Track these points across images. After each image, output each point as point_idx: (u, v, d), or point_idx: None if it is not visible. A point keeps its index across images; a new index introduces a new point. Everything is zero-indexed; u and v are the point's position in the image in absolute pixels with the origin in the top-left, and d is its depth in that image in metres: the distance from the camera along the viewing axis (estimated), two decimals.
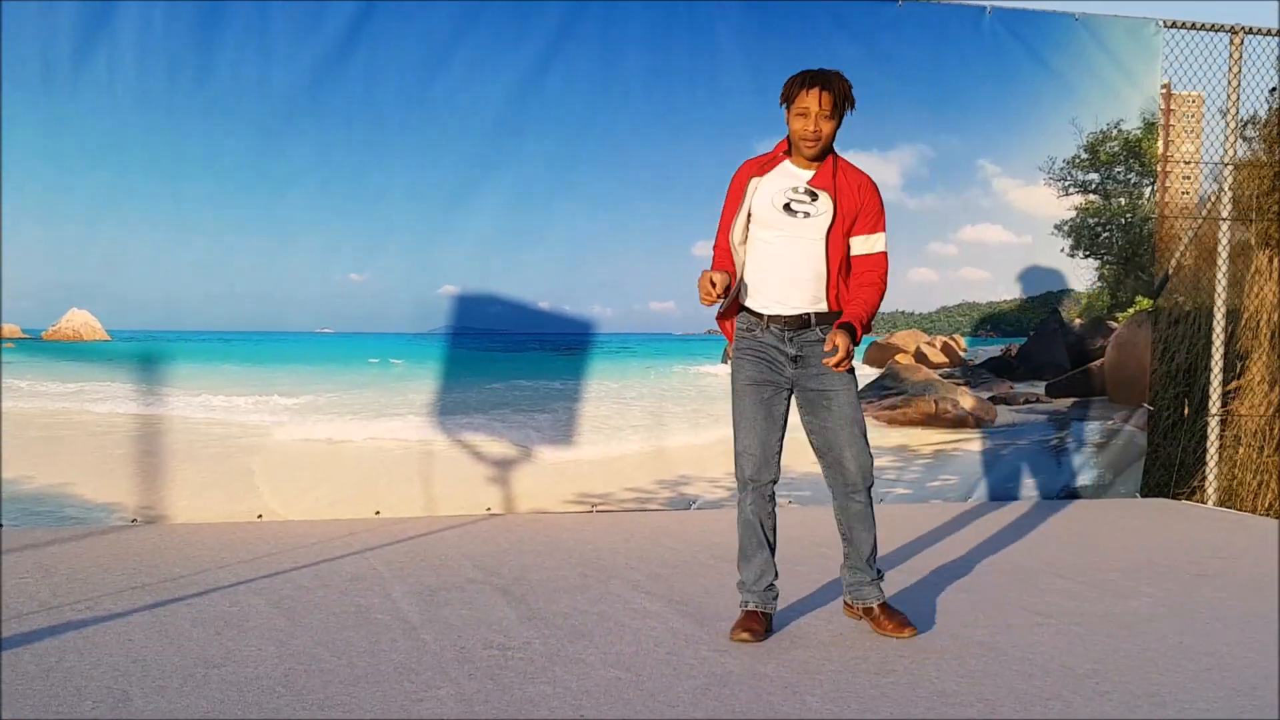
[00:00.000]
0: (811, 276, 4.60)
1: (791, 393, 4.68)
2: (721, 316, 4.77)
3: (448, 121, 6.92)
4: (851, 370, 4.66)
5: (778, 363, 4.62)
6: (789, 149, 4.67)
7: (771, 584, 4.69)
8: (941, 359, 8.11)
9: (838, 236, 4.60)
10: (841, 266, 4.65)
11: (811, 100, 4.50)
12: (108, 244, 6.39)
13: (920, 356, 8.07)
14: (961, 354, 8.15)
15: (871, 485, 4.66)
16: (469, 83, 6.96)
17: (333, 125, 6.71)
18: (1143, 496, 8.33)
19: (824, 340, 4.56)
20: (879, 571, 4.77)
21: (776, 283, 4.62)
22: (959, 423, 8.05)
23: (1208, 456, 8.47)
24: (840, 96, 4.55)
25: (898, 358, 8.03)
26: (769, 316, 4.62)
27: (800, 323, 4.61)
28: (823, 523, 6.89)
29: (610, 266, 7.30)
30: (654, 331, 7.43)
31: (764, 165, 4.67)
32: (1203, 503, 8.34)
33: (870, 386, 7.97)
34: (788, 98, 4.59)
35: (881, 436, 7.89)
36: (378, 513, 6.85)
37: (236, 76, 6.52)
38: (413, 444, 6.95)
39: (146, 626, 4.49)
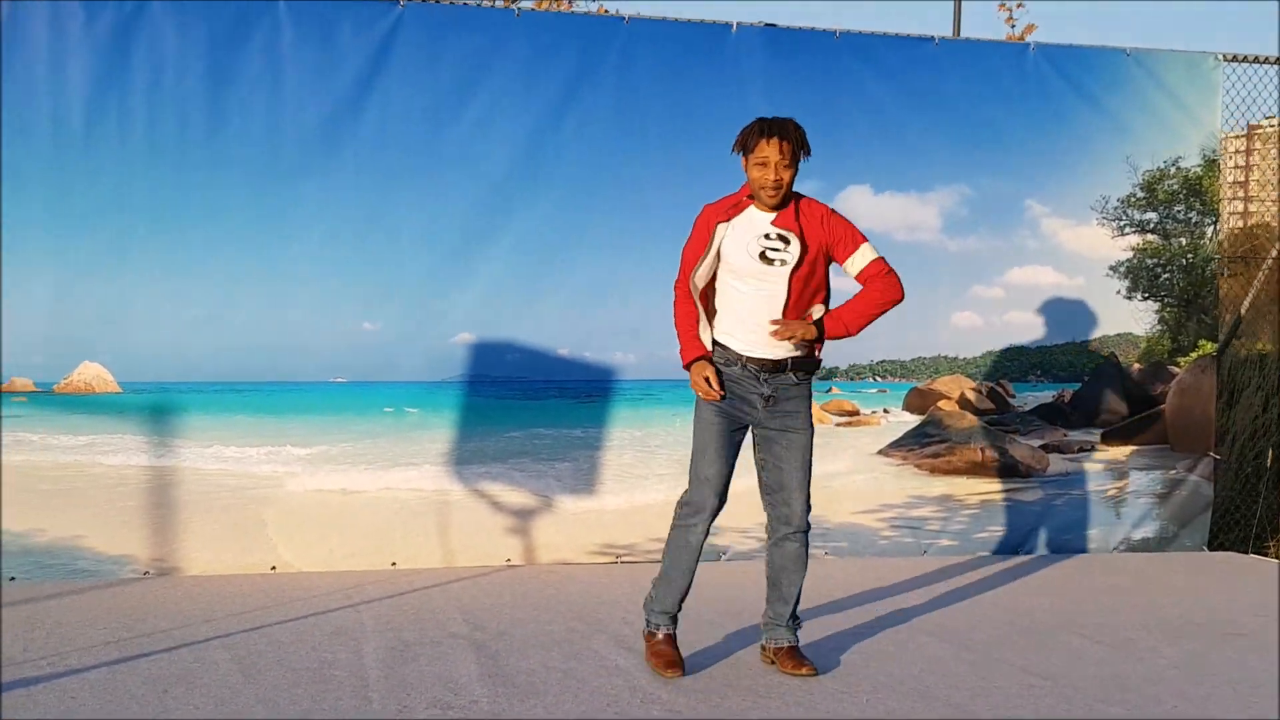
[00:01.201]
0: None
1: (749, 429, 4.73)
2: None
3: (459, 168, 6.86)
4: (810, 417, 4.75)
5: (749, 401, 4.67)
6: (751, 195, 4.67)
7: (680, 606, 4.76)
8: (988, 405, 7.81)
9: (800, 277, 4.62)
10: (803, 303, 4.65)
11: (771, 150, 4.54)
12: (117, 297, 6.42)
13: (965, 403, 7.79)
14: (1010, 400, 7.84)
15: (809, 529, 4.73)
16: (481, 129, 6.90)
17: (341, 175, 6.68)
18: (1211, 550, 7.90)
19: (800, 384, 4.71)
20: (798, 617, 4.82)
21: (755, 330, 4.64)
22: (1008, 472, 7.74)
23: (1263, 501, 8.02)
24: (797, 145, 4.59)
25: (940, 404, 7.75)
26: (748, 357, 4.65)
27: (778, 367, 4.66)
28: (864, 573, 6.69)
29: (632, 312, 7.16)
30: (678, 378, 7.21)
31: (729, 211, 4.66)
32: (1277, 558, 7.89)
33: (911, 434, 7.70)
34: (744, 147, 4.64)
35: (924, 486, 7.62)
36: (394, 564, 6.76)
37: (246, 128, 6.53)
38: (429, 494, 6.86)
39: (96, 685, 4.43)
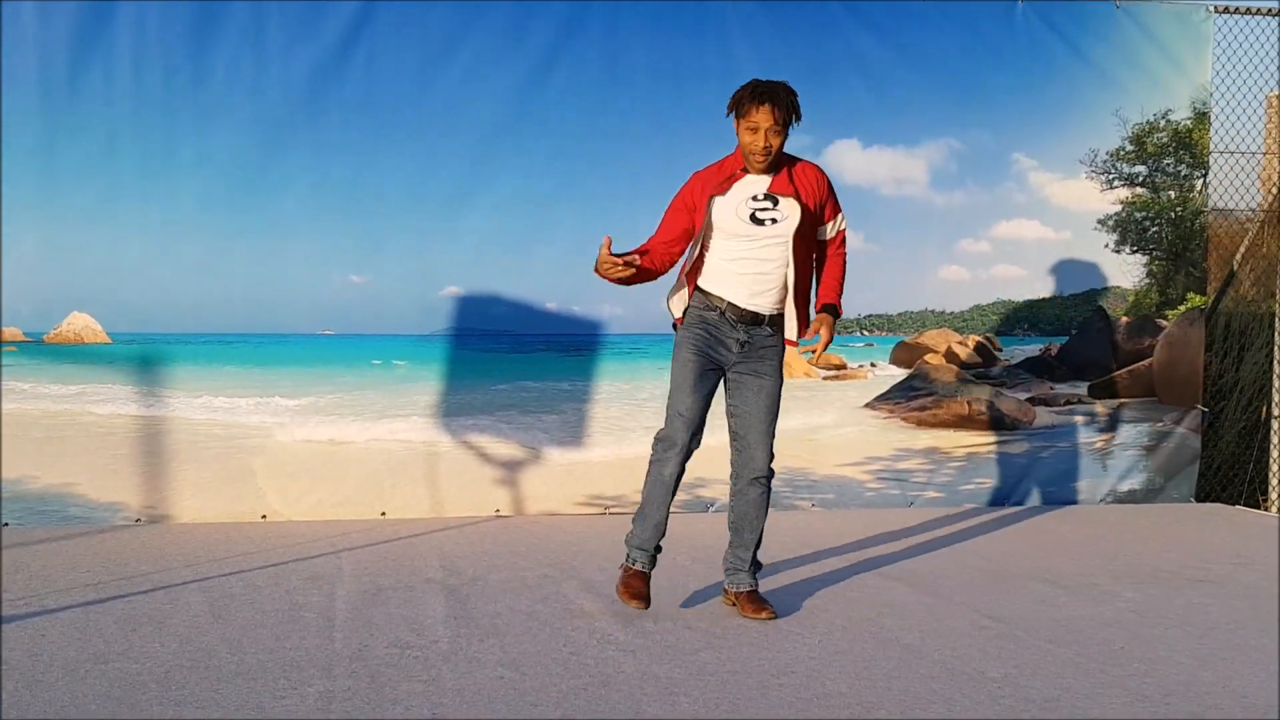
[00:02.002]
0: (778, 283, 4.78)
1: (724, 374, 4.82)
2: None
3: (447, 121, 6.93)
4: (780, 368, 4.84)
5: (724, 344, 4.76)
6: (738, 161, 4.77)
7: (659, 546, 4.85)
8: (975, 359, 7.86)
9: (801, 237, 4.74)
10: (806, 264, 4.82)
11: (761, 116, 4.62)
12: (107, 248, 6.54)
13: (952, 356, 7.83)
14: (997, 353, 7.88)
15: (772, 476, 4.82)
16: (470, 82, 6.96)
17: (330, 127, 6.77)
18: (1198, 502, 7.94)
19: (774, 335, 4.80)
20: (758, 562, 4.91)
21: (743, 287, 4.76)
22: (995, 424, 7.79)
23: (1270, 460, 8.04)
24: (788, 111, 4.65)
25: (927, 358, 7.80)
26: (729, 303, 4.74)
27: (756, 319, 4.77)
28: (848, 525, 6.77)
29: None
30: (666, 332, 7.26)
31: (722, 185, 4.74)
32: (1268, 510, 7.92)
33: (898, 387, 7.76)
34: (737, 110, 4.70)
35: (910, 438, 7.69)
36: (383, 514, 6.88)
37: (232, 80, 6.62)
38: (418, 445, 6.97)
39: (67, 623, 4.56)
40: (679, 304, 4.88)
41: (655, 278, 4.87)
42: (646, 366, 7.32)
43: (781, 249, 4.72)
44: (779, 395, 4.81)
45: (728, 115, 4.74)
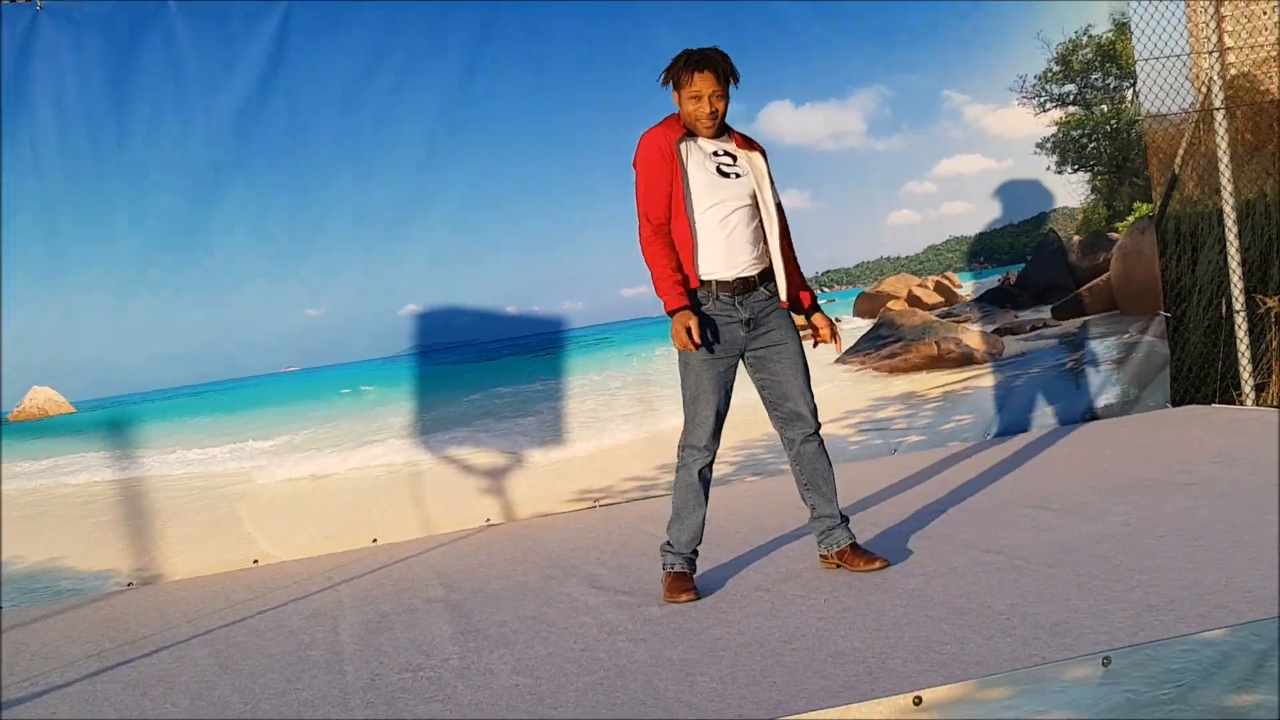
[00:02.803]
0: (752, 238, 4.75)
1: (741, 359, 4.80)
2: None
3: (379, 142, 6.89)
4: (792, 322, 4.85)
5: (731, 332, 4.71)
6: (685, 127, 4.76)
7: (697, 548, 4.83)
8: (937, 299, 7.89)
9: (758, 191, 4.77)
10: (781, 213, 4.83)
11: (703, 82, 4.64)
12: (58, 318, 6.46)
13: (914, 300, 7.86)
14: (957, 290, 7.92)
15: (820, 426, 4.81)
16: (395, 100, 6.92)
17: (262, 165, 6.71)
18: (1174, 406, 8.01)
19: (772, 298, 4.77)
20: (845, 516, 4.88)
21: (721, 249, 4.71)
22: (965, 360, 7.83)
23: (1239, 355, 8.10)
24: (727, 73, 4.69)
25: (890, 305, 7.83)
26: (716, 284, 4.70)
27: (746, 285, 4.73)
28: (838, 481, 6.78)
29: (574, 260, 7.23)
30: (629, 318, 7.33)
31: (680, 131, 4.73)
32: (1243, 404, 7.99)
33: (865, 338, 7.79)
34: (675, 82, 4.72)
35: (884, 386, 7.72)
36: (374, 541, 6.86)
37: (157, 133, 6.54)
38: (399, 467, 6.95)
39: (77, 697, 4.53)
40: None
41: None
42: (614, 356, 7.32)
43: (750, 196, 4.73)
44: (801, 350, 4.80)
45: (664, 86, 4.75)
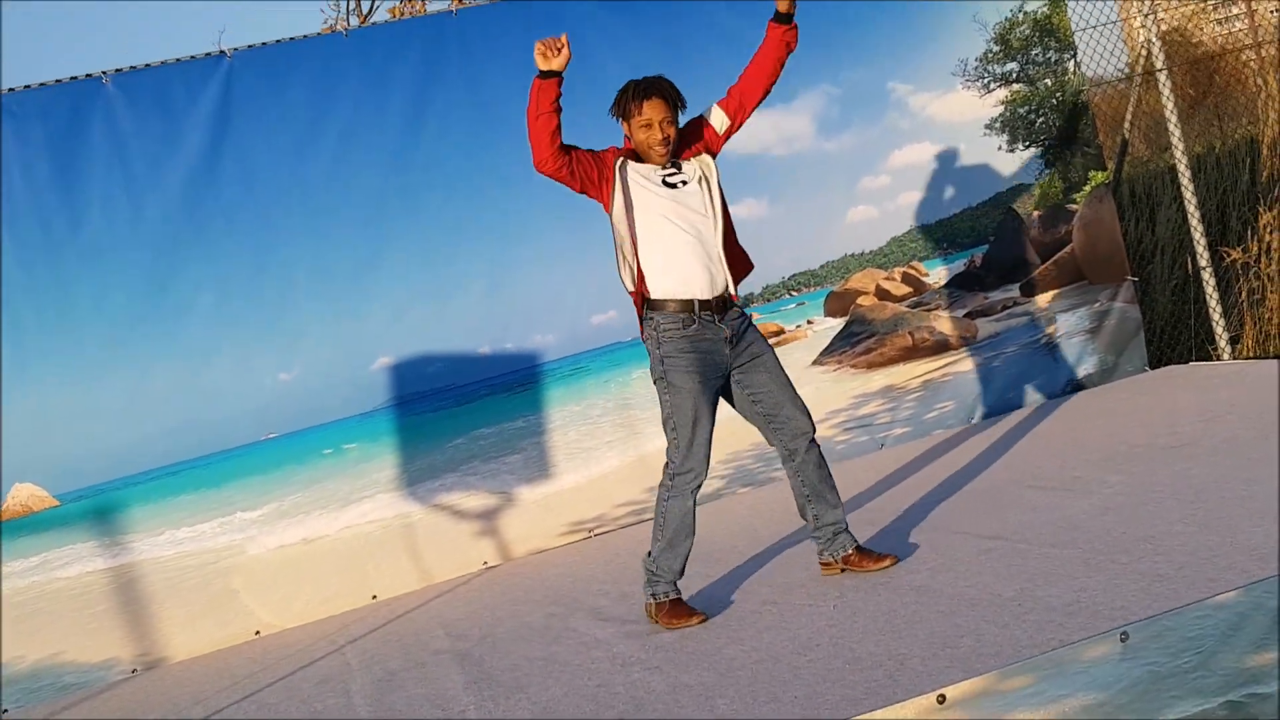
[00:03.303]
0: (716, 250, 4.73)
1: (727, 379, 4.78)
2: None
3: (331, 199, 6.84)
4: (759, 331, 4.89)
5: (718, 353, 4.70)
6: (632, 154, 4.78)
7: (683, 571, 4.79)
8: (905, 290, 7.90)
9: (710, 186, 4.74)
10: (726, 216, 4.77)
11: (652, 109, 4.69)
12: (28, 413, 6.39)
13: (882, 293, 7.87)
14: (925, 279, 7.93)
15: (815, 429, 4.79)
16: (344, 155, 6.87)
17: (217, 234, 6.64)
18: (1153, 369, 8.04)
19: (743, 314, 4.80)
20: (845, 520, 4.86)
21: (690, 263, 4.68)
22: (941, 348, 7.84)
23: (1209, 311, 8.14)
24: (674, 100, 4.74)
25: (859, 301, 7.83)
26: (699, 303, 4.67)
27: (723, 303, 4.73)
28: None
29: (539, 294, 7.20)
30: (602, 345, 7.31)
31: (625, 154, 4.76)
32: (1220, 359, 8.02)
33: (839, 337, 7.79)
34: (624, 113, 4.76)
35: (864, 383, 7.72)
36: (374, 597, 6.80)
37: (109, 215, 6.48)
38: (390, 521, 6.90)
39: None
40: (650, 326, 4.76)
41: (550, 141, 4.68)
42: (591, 383, 7.30)
43: (701, 200, 4.72)
44: (778, 358, 4.83)
45: (613, 117, 4.78)
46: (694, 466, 4.66)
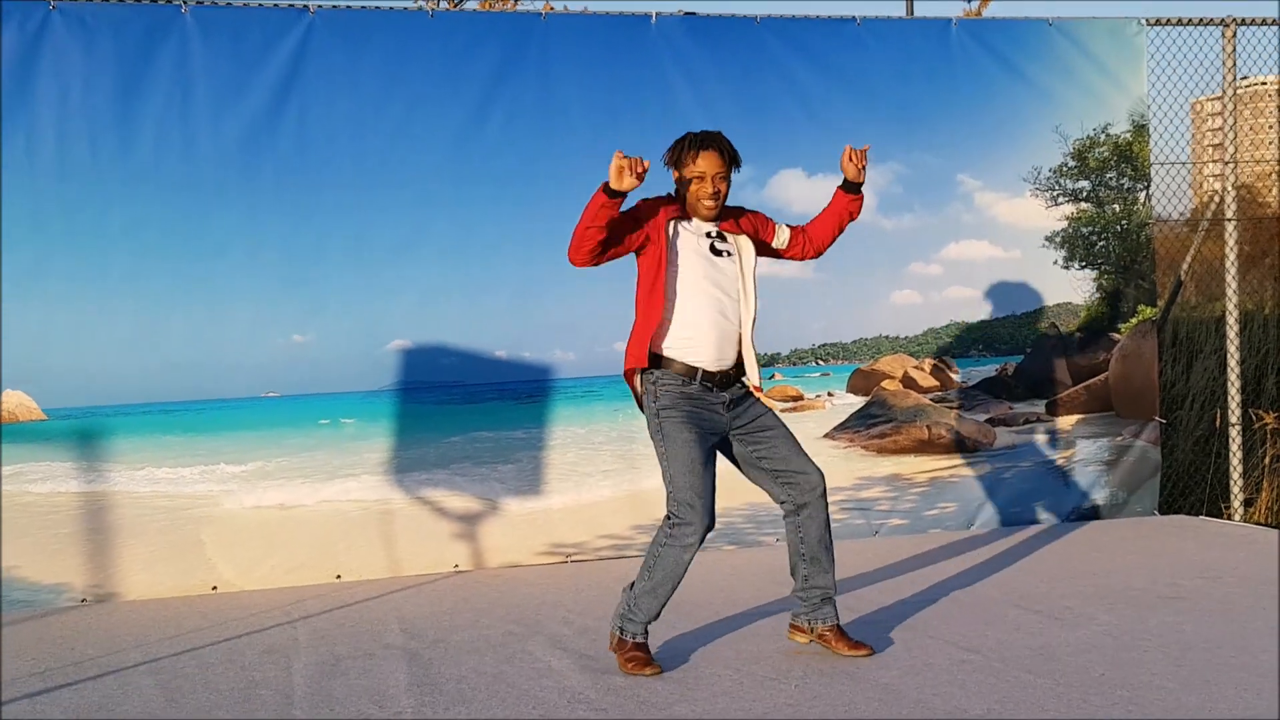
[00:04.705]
0: (738, 324, 4.70)
1: (726, 441, 4.70)
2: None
3: (384, 173, 6.79)
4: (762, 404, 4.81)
5: (713, 409, 4.63)
6: (682, 210, 4.70)
7: (658, 616, 4.71)
8: (932, 383, 7.79)
9: (751, 269, 4.72)
10: (754, 303, 4.75)
11: (707, 162, 4.61)
12: (37, 323, 6.31)
13: (909, 381, 7.76)
14: (954, 376, 7.82)
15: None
16: (404, 134, 6.82)
17: (263, 187, 6.59)
18: (1164, 514, 7.89)
19: (747, 390, 4.74)
20: (835, 589, 4.75)
21: (713, 342, 4.64)
22: (955, 448, 7.71)
23: (1230, 469, 7.99)
24: (731, 155, 4.66)
25: (884, 384, 7.72)
26: (703, 372, 4.60)
27: (729, 379, 4.67)
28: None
29: (568, 309, 7.11)
30: (619, 373, 7.17)
31: (676, 212, 4.67)
32: (1230, 519, 7.87)
33: (856, 415, 7.67)
34: (677, 162, 4.68)
35: (871, 466, 7.59)
36: (339, 577, 6.70)
37: (161, 145, 6.43)
38: (371, 504, 6.80)
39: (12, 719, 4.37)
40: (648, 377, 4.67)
41: (590, 252, 4.66)
42: (601, 409, 7.20)
43: (737, 282, 4.69)
44: (781, 420, 4.77)
45: (667, 167, 4.72)
46: (693, 520, 4.51)
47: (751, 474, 4.75)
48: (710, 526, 4.55)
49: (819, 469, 4.68)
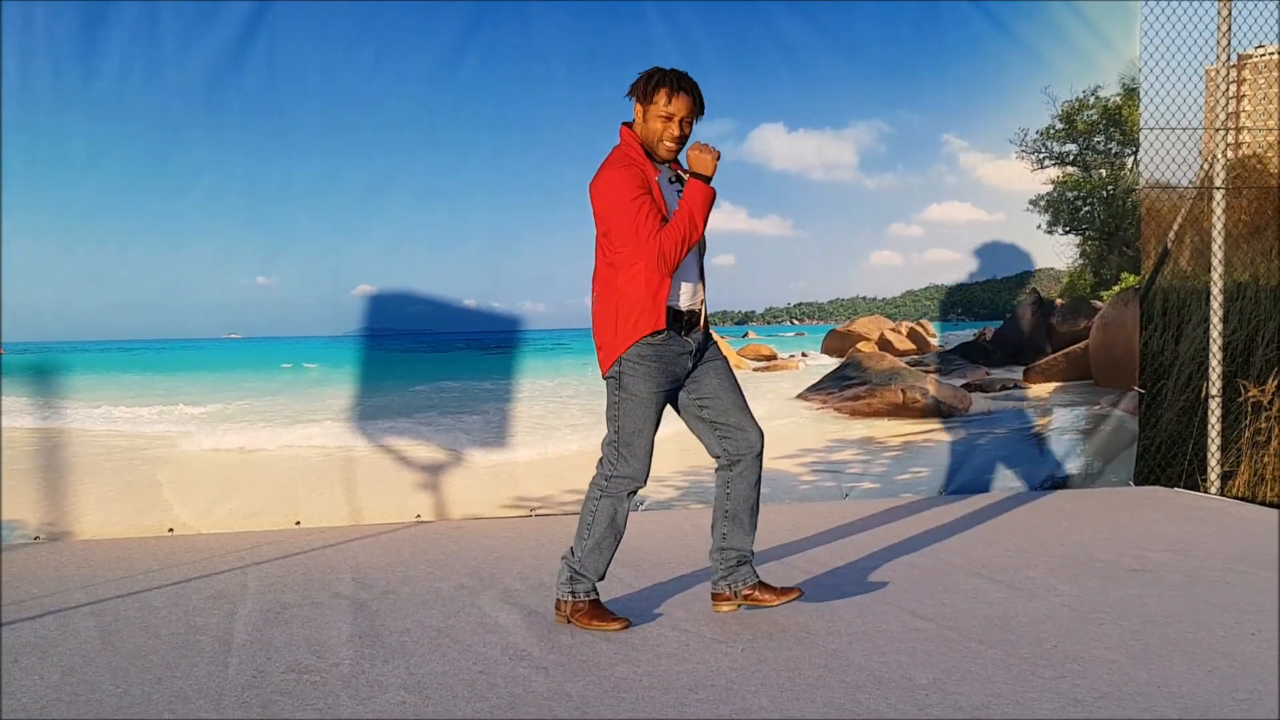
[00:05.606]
0: (699, 271, 4.64)
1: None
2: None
3: (354, 115, 6.65)
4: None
5: (680, 366, 4.54)
6: (642, 147, 4.55)
7: (605, 573, 4.63)
8: (909, 346, 7.68)
9: None
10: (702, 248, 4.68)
11: (679, 105, 4.47)
12: None
13: (885, 344, 7.65)
14: (931, 340, 7.71)
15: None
16: (376, 75, 6.68)
17: (229, 124, 6.45)
18: (1137, 485, 7.80)
19: (709, 335, 4.68)
20: (752, 552, 4.64)
21: (682, 280, 4.54)
22: (929, 412, 7.60)
23: (1209, 441, 7.89)
24: (701, 103, 4.54)
25: (860, 346, 7.61)
26: (673, 312, 4.49)
27: (695, 318, 4.59)
28: (782, 520, 6.54)
29: (540, 261, 7.00)
30: (588, 327, 7.06)
31: (646, 165, 4.51)
32: (1207, 491, 7.77)
33: (831, 377, 7.57)
34: (644, 96, 4.51)
35: (844, 429, 7.49)
36: (298, 523, 6.61)
37: (125, 77, 6.29)
38: (332, 451, 6.70)
39: None
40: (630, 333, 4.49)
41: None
42: (570, 363, 7.09)
43: None
44: (732, 371, 4.67)
45: (630, 96, 4.54)
46: (632, 473, 4.48)
47: (691, 423, 4.65)
48: (643, 485, 4.55)
49: (760, 429, 4.58)
